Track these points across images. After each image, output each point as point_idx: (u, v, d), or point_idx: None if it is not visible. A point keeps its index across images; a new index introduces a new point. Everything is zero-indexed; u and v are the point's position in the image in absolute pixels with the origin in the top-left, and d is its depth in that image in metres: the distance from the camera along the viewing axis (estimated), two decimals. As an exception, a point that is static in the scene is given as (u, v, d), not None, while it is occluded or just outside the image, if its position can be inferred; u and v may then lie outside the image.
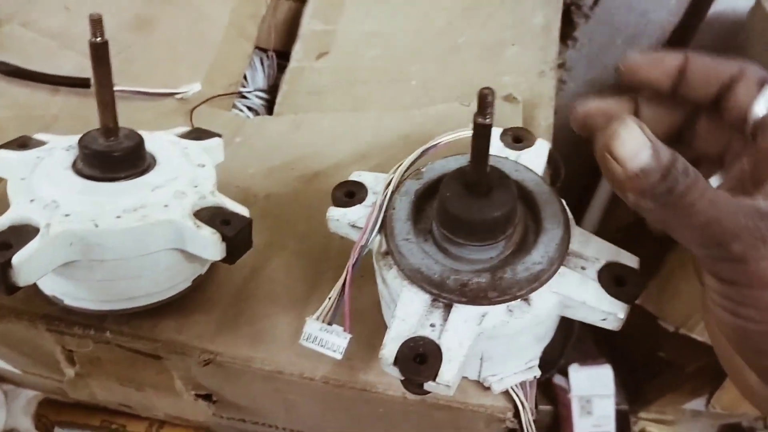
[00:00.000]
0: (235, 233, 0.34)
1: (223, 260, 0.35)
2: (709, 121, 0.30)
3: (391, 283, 0.32)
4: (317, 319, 0.33)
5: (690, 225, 0.24)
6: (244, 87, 0.62)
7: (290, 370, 0.37)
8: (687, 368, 0.77)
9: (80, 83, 0.54)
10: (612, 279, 0.31)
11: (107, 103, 0.35)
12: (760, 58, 0.65)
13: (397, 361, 0.29)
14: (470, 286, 0.30)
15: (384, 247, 0.33)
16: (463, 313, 0.30)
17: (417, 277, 0.31)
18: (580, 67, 0.86)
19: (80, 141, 0.36)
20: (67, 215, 0.33)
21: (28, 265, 0.31)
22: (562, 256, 0.31)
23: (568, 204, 0.33)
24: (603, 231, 0.94)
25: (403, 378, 0.29)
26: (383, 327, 0.31)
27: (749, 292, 0.24)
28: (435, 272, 0.30)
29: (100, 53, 0.34)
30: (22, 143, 0.39)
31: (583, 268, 0.31)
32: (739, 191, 0.25)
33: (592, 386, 0.81)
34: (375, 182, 0.36)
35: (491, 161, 0.30)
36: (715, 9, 0.77)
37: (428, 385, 0.29)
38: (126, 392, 0.47)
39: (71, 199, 0.34)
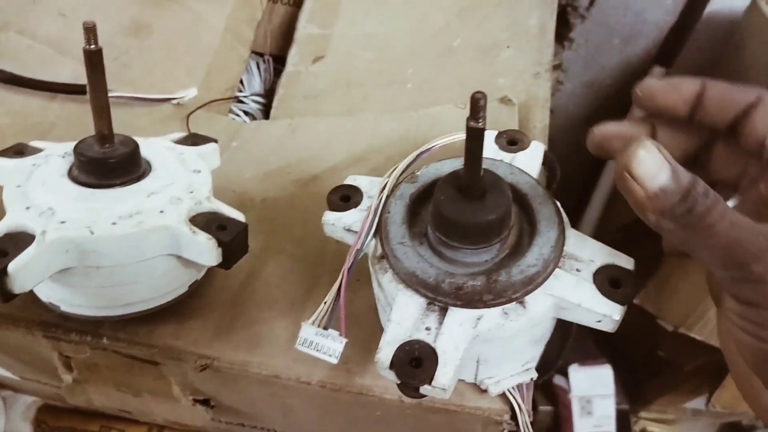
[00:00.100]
0: (231, 238, 0.34)
1: (219, 265, 0.35)
2: (725, 146, 0.30)
3: (387, 287, 0.32)
4: (313, 323, 0.33)
5: (711, 246, 0.24)
6: (240, 91, 0.62)
7: (287, 374, 0.37)
8: (686, 367, 0.77)
9: (77, 90, 0.54)
10: (607, 281, 0.31)
11: (102, 110, 0.35)
12: (756, 58, 0.65)
13: (393, 365, 0.29)
14: (465, 289, 0.30)
15: (379, 251, 0.33)
16: (458, 316, 0.30)
17: (412, 281, 0.31)
18: (576, 67, 0.86)
19: (75, 148, 0.36)
20: (62, 222, 0.33)
21: (24, 272, 0.31)
22: (557, 258, 0.31)
23: (567, 204, 0.33)
24: (602, 231, 0.94)
25: (399, 382, 0.29)
26: (379, 330, 0.31)
27: None
28: (430, 276, 0.30)
29: (94, 60, 0.34)
30: (19, 150, 0.39)
31: (578, 270, 0.31)
32: (755, 216, 0.25)
33: (593, 386, 0.81)
34: (370, 186, 0.36)
35: (485, 164, 0.30)
36: (711, 9, 0.77)
37: (424, 389, 0.29)
38: (124, 398, 0.47)
39: (67, 206, 0.34)
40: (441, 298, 0.30)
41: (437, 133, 0.37)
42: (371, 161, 0.50)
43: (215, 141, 0.42)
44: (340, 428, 0.44)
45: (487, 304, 0.30)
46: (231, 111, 0.60)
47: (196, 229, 0.34)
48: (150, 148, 0.39)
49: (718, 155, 0.31)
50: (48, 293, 0.37)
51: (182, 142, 0.42)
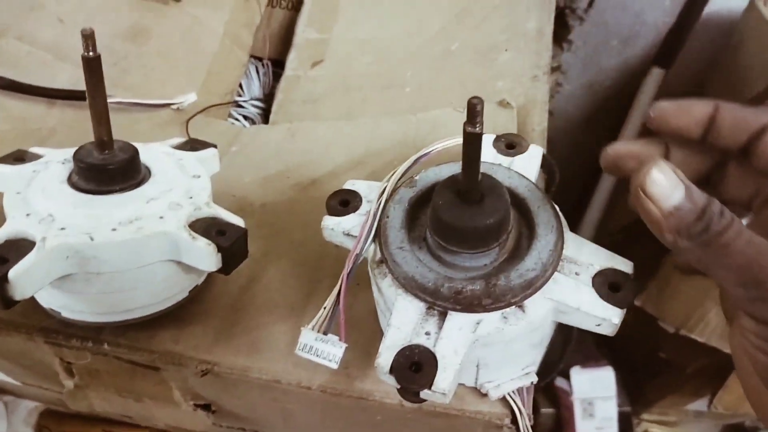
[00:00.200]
0: (231, 244, 0.34)
1: (219, 271, 0.35)
2: (738, 167, 0.30)
3: (386, 292, 0.32)
4: (313, 328, 0.33)
5: (727, 265, 0.24)
6: (239, 96, 0.63)
7: (287, 379, 0.37)
8: (688, 369, 0.77)
9: (76, 96, 0.54)
10: (606, 284, 0.31)
11: (101, 116, 0.35)
12: (754, 58, 0.65)
13: (393, 370, 0.29)
14: (464, 293, 0.30)
15: (378, 256, 0.33)
16: (457, 320, 0.30)
17: (411, 286, 0.31)
18: (575, 69, 0.86)
19: (75, 155, 0.36)
20: (62, 229, 0.33)
21: (25, 279, 0.31)
22: (556, 262, 0.31)
23: (567, 206, 0.34)
24: (603, 232, 0.94)
25: (399, 386, 0.29)
26: (379, 335, 0.31)
27: None
28: (429, 280, 0.30)
29: (93, 67, 0.34)
30: (18, 157, 0.39)
31: (577, 273, 0.31)
32: None
33: (594, 388, 0.81)
34: (369, 191, 0.36)
35: (483, 168, 0.30)
36: (709, 10, 0.77)
37: (424, 393, 0.29)
38: (125, 403, 0.47)
39: (67, 213, 0.34)
40: (440, 302, 0.30)
41: (436, 137, 0.37)
42: (370, 165, 0.50)
43: (214, 146, 0.43)
44: (340, 432, 0.44)
45: (486, 309, 0.30)
46: (230, 116, 0.60)
47: (195, 234, 0.34)
48: (149, 153, 0.39)
49: (731, 175, 0.31)
50: (49, 299, 0.37)
51: (181, 147, 0.42)
